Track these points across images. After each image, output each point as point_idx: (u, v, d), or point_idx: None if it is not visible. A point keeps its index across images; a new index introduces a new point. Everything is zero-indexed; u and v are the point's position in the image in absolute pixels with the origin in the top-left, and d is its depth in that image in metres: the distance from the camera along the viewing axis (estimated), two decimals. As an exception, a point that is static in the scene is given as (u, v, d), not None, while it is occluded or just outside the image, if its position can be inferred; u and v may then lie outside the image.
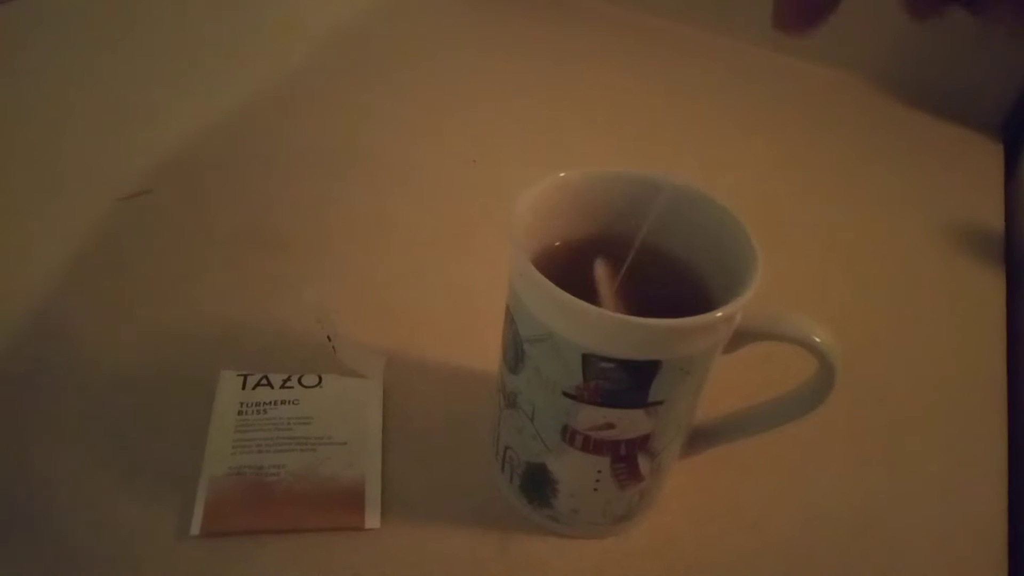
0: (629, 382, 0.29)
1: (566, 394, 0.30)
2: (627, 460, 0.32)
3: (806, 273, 0.53)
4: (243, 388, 0.40)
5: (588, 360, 0.29)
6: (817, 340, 0.30)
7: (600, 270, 0.32)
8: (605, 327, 0.28)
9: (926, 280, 0.54)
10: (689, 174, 0.34)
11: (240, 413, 0.39)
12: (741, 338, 0.31)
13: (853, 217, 0.59)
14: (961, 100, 0.70)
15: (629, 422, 0.31)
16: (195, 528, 0.34)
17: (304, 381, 0.41)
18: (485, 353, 0.39)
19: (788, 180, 0.62)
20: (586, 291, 0.30)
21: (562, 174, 0.33)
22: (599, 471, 0.33)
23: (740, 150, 0.64)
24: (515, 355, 0.32)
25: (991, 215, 0.60)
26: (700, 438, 0.35)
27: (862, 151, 0.66)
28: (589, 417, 0.30)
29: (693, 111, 0.68)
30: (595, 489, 0.33)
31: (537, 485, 0.35)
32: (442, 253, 0.51)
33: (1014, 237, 0.58)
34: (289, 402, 0.40)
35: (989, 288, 0.54)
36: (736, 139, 0.65)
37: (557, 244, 0.34)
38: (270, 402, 0.40)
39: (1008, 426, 0.44)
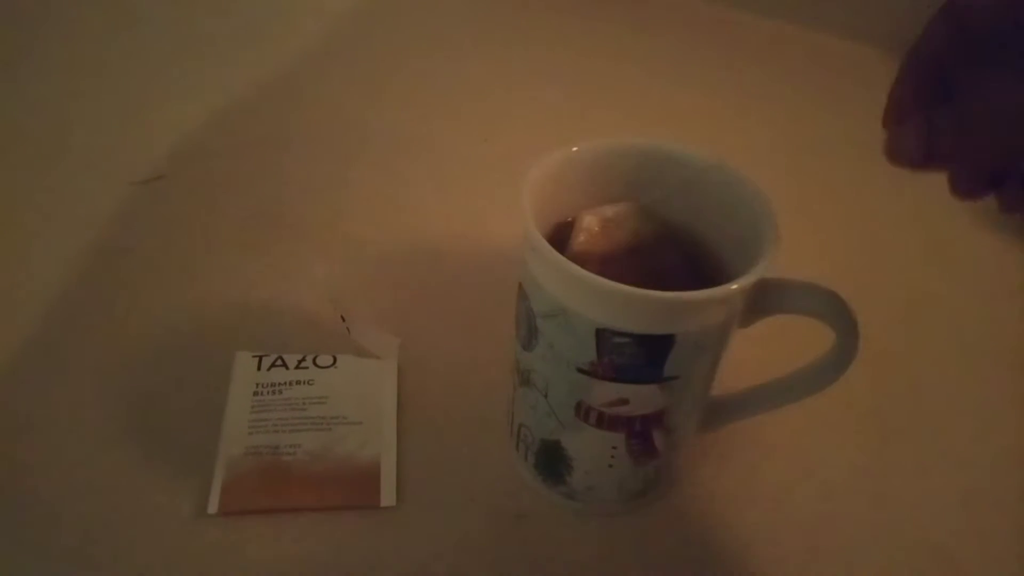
0: (643, 357, 0.29)
1: (580, 370, 0.30)
2: (642, 436, 0.32)
3: (825, 246, 0.52)
4: (258, 369, 0.40)
5: (602, 335, 0.28)
6: (835, 312, 0.30)
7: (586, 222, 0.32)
8: (618, 301, 0.28)
9: (947, 250, 0.53)
10: (704, 147, 0.33)
11: (256, 394, 0.39)
12: (757, 311, 0.30)
13: (873, 188, 0.58)
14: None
15: (644, 398, 0.30)
16: (212, 507, 0.35)
17: (319, 361, 0.41)
18: (499, 332, 0.39)
19: (806, 152, 0.61)
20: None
21: (574, 148, 0.33)
22: (614, 447, 0.32)
23: (755, 124, 0.63)
24: (528, 331, 0.31)
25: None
26: (717, 413, 0.35)
27: (880, 122, 0.65)
28: (603, 393, 0.30)
29: (708, 87, 0.67)
30: (610, 466, 0.33)
31: (551, 462, 0.34)
32: (455, 232, 0.50)
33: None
34: (304, 382, 0.40)
35: (1012, 257, 0.53)
36: (751, 113, 0.64)
37: (570, 219, 0.34)
38: (285, 383, 0.40)
39: (1032, 400, 0.43)
